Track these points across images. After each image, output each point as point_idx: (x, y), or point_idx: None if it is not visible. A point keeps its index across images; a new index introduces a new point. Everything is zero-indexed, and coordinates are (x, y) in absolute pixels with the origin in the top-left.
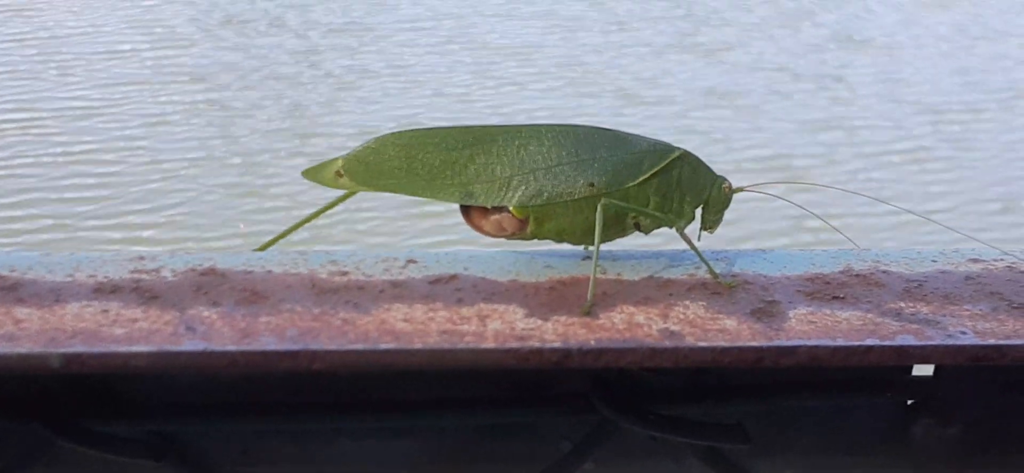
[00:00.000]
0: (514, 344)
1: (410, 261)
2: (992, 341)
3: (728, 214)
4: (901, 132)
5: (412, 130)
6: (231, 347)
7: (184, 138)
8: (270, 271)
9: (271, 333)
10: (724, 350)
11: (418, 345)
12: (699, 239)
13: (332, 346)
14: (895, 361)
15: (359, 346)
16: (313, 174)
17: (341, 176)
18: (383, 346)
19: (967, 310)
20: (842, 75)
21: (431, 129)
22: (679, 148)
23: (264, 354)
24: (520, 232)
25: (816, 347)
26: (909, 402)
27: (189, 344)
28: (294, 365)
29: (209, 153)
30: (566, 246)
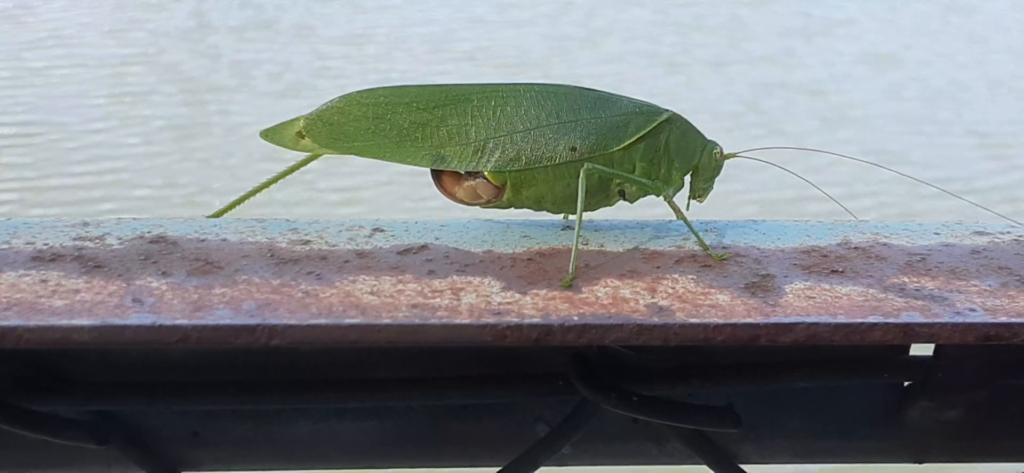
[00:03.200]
0: (490, 319)
1: (377, 230)
2: (1003, 318)
3: (718, 182)
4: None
5: (380, 88)
6: (182, 321)
7: None
8: (225, 239)
9: (226, 306)
10: (717, 327)
11: (386, 320)
12: (688, 208)
13: (293, 321)
14: (900, 340)
15: (322, 321)
16: (272, 135)
17: (302, 137)
18: (348, 321)
19: (975, 286)
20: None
21: (401, 87)
22: (667, 110)
23: (218, 329)
24: (496, 199)
25: (816, 324)
26: (906, 384)
27: (136, 317)
28: (251, 340)
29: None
30: (545, 215)
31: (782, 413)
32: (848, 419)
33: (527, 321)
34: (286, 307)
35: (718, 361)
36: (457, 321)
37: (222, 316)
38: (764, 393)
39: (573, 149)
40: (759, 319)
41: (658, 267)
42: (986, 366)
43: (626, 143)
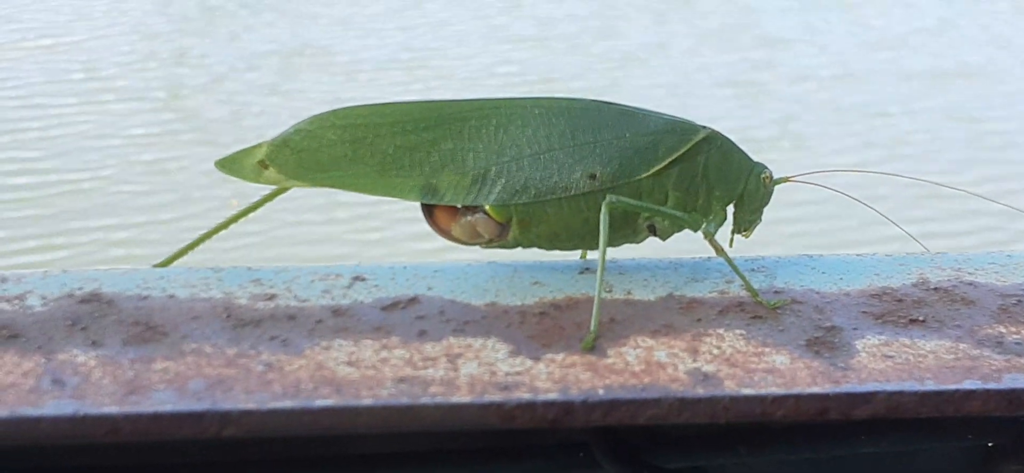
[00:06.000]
0: (496, 396)
1: (357, 278)
2: None
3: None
4: None
5: (358, 106)
6: (112, 409)
7: None
8: (172, 295)
9: (168, 385)
10: (777, 400)
11: (367, 400)
12: (731, 244)
13: (250, 404)
14: (1005, 410)
15: (287, 403)
16: (229, 166)
17: (266, 167)
18: (320, 403)
19: None
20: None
21: (383, 105)
22: (705, 127)
23: (157, 418)
24: (500, 238)
25: (899, 394)
26: (990, 444)
27: (53, 405)
28: (198, 431)
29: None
30: (559, 255)
31: None
32: None
33: (541, 397)
34: (243, 385)
35: (771, 423)
36: (455, 399)
37: (163, 400)
38: (824, 460)
39: (592, 176)
40: (828, 388)
41: (699, 320)
42: None
43: (656, 168)
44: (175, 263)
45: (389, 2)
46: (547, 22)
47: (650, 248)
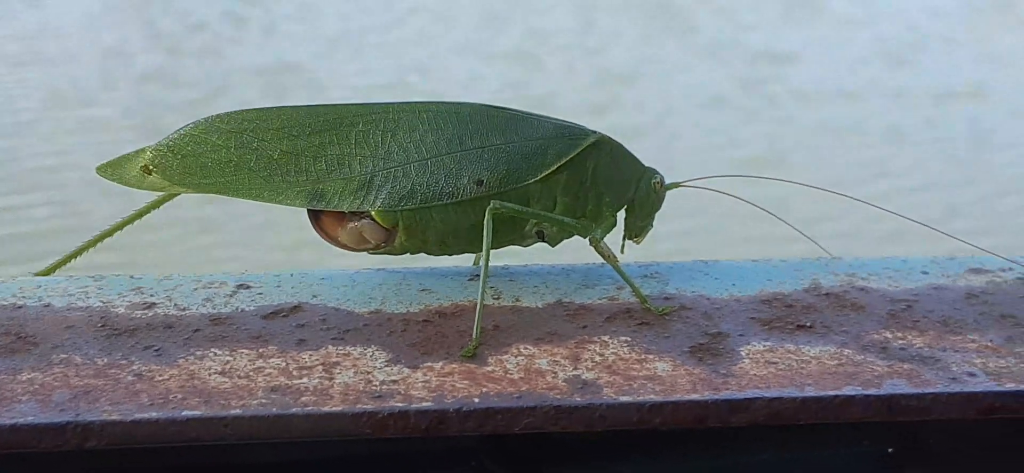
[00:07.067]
0: (369, 405)
1: (241, 286)
2: (1011, 386)
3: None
4: None
5: (245, 110)
6: None
7: None
8: (48, 304)
9: (32, 397)
10: (654, 407)
11: (236, 410)
12: (623, 250)
13: (115, 415)
14: (884, 416)
15: (153, 414)
16: (112, 171)
17: (149, 173)
18: (187, 413)
19: (974, 341)
20: None
21: (270, 109)
22: (595, 132)
23: (15, 430)
24: (386, 244)
25: (778, 400)
26: (889, 450)
27: None
28: (59, 443)
29: None
30: (451, 262)
31: None
32: None
33: (415, 406)
34: (110, 396)
35: (665, 429)
36: (326, 409)
37: (24, 412)
38: (723, 467)
39: (479, 182)
40: (707, 395)
41: (585, 327)
42: (983, 427)
43: (544, 173)
44: (55, 271)
45: (377, 18)
46: (538, 35)
47: (541, 254)
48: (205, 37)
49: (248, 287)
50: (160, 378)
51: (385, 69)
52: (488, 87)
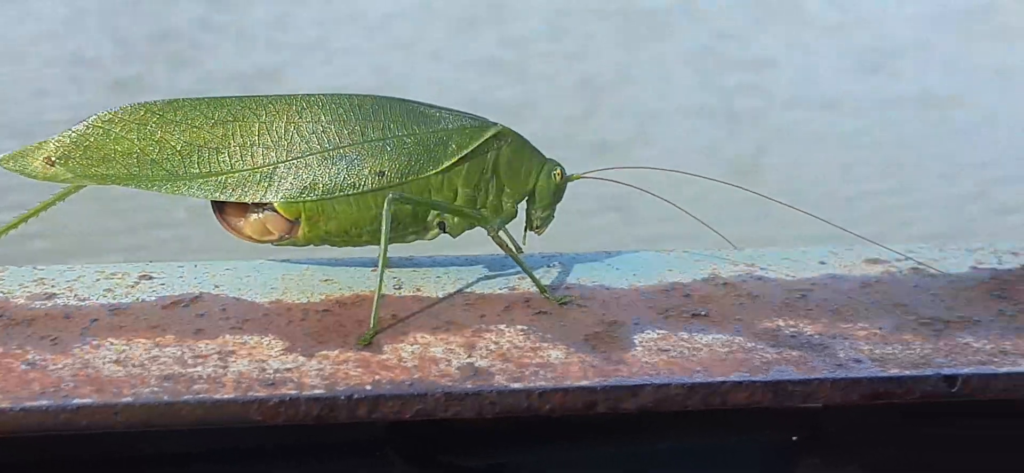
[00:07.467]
0: (261, 393)
1: (144, 277)
2: (895, 372)
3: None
4: None
5: (149, 103)
6: None
7: None
8: None
9: None
10: (544, 394)
11: (127, 398)
12: (524, 242)
13: (4, 403)
14: (771, 401)
15: (43, 402)
16: (15, 162)
17: (53, 165)
18: (77, 401)
19: (863, 329)
20: None
21: (174, 101)
22: (496, 124)
23: None
24: (289, 235)
25: (666, 386)
26: (793, 438)
27: None
28: None
29: None
30: (354, 252)
31: None
32: None
33: (305, 394)
34: (1, 385)
35: (571, 419)
36: (218, 396)
37: None
38: (627, 455)
39: (380, 174)
40: (596, 381)
41: (483, 316)
42: (885, 414)
43: (445, 165)
44: None
45: (357, 25)
46: (515, 43)
47: (450, 247)
48: (178, 45)
49: (151, 277)
50: (53, 367)
51: (360, 76)
52: (465, 94)
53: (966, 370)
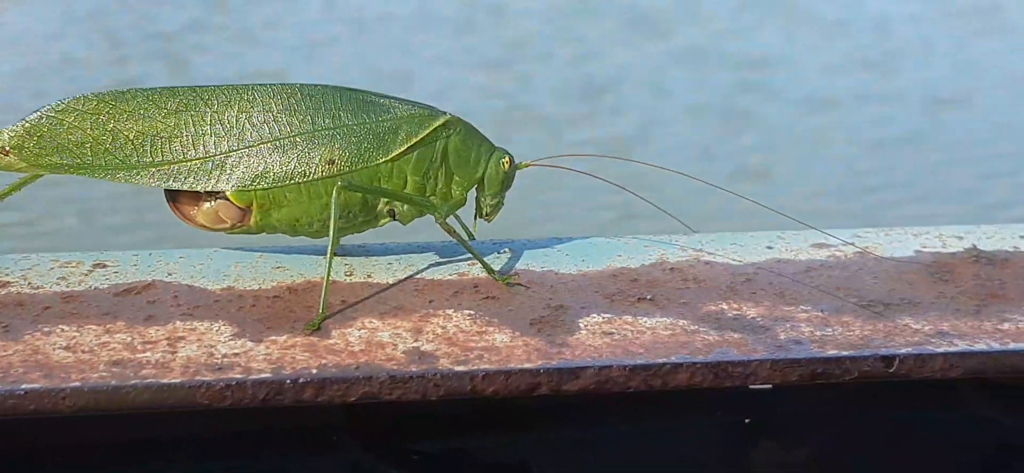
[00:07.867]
0: (208, 377)
1: (97, 265)
2: (833, 352)
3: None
4: None
5: (102, 92)
6: None
7: None
8: None
9: None
10: (488, 376)
11: (75, 383)
12: (475, 229)
13: None
14: (712, 382)
15: None
16: None
17: (6, 154)
18: (26, 386)
19: (805, 312)
20: None
21: (126, 91)
22: (445, 112)
23: None
24: (242, 224)
25: (607, 368)
26: (747, 421)
27: None
28: None
29: None
30: (307, 240)
31: (600, 464)
32: (680, 467)
33: (253, 377)
34: None
35: (522, 404)
36: (165, 381)
37: None
38: (582, 440)
39: (330, 162)
40: (539, 364)
41: (431, 301)
42: (837, 398)
43: (394, 153)
44: None
45: (350, 26)
46: (515, 44)
47: (400, 233)
48: (175, 46)
49: (105, 266)
50: (3, 354)
51: (359, 78)
52: (464, 95)
53: (904, 350)
